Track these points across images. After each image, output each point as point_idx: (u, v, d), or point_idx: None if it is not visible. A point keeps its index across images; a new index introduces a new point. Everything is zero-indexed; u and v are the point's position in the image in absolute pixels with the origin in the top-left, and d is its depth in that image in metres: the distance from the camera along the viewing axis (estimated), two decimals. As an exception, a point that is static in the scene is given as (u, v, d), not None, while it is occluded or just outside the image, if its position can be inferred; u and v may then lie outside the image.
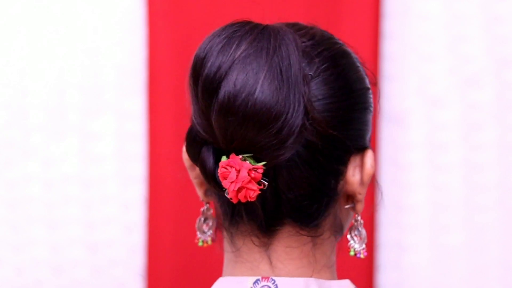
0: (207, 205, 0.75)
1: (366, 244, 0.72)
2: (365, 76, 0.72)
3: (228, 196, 0.63)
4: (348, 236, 0.73)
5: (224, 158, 0.63)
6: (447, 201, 1.49)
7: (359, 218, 0.72)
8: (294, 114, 0.62)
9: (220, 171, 0.62)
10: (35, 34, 1.47)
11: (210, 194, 0.73)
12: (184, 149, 0.72)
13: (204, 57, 0.63)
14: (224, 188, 0.63)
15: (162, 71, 1.44)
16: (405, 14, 1.48)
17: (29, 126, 1.47)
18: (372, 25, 1.43)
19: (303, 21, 0.72)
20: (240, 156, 0.62)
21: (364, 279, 1.44)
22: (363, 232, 0.72)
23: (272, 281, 0.67)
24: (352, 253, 0.73)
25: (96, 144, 1.47)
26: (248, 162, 0.62)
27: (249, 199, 0.62)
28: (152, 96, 1.44)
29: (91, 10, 1.47)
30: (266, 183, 0.62)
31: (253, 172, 0.62)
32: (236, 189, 0.61)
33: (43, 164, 1.47)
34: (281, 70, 0.62)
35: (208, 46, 0.63)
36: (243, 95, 0.61)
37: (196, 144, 0.66)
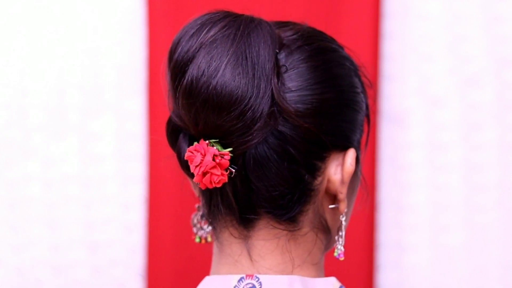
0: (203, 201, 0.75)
1: (344, 247, 0.71)
2: (354, 76, 0.71)
3: (195, 182, 0.63)
4: (336, 237, 0.73)
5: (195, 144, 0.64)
6: (447, 201, 1.49)
7: (342, 219, 0.71)
8: (258, 100, 0.62)
9: (186, 155, 0.63)
10: (35, 34, 1.47)
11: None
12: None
13: (178, 43, 0.64)
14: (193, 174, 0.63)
15: (162, 71, 1.44)
16: (405, 14, 1.48)
17: (29, 126, 1.47)
18: (372, 25, 1.43)
19: (303, 21, 0.72)
20: (207, 142, 0.63)
21: (364, 279, 1.44)
22: (343, 234, 0.71)
23: (256, 279, 0.67)
24: (336, 254, 0.72)
25: (96, 144, 1.48)
26: (215, 148, 0.63)
27: (215, 185, 0.63)
28: (152, 96, 1.44)
29: (91, 10, 1.47)
30: (234, 170, 0.63)
31: (219, 157, 0.62)
32: (200, 173, 0.62)
33: (43, 164, 1.47)
34: (246, 57, 0.63)
35: (183, 31, 0.65)
36: (205, 78, 0.62)
37: (173, 132, 0.68)
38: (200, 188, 0.69)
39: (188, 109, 0.63)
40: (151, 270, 1.45)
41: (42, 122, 1.47)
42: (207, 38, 0.63)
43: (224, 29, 0.63)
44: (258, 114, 0.62)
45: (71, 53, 1.47)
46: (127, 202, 1.48)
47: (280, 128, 0.65)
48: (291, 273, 0.68)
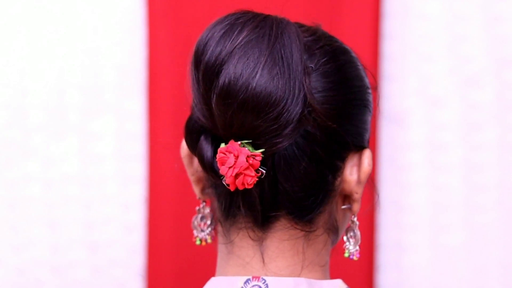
0: (204, 203, 0.75)
1: (360, 246, 0.72)
2: (365, 76, 0.72)
3: (225, 183, 0.63)
4: (345, 238, 0.73)
5: (223, 145, 0.63)
6: (447, 201, 1.49)
7: (355, 219, 0.72)
8: (293, 102, 0.62)
9: (218, 156, 0.62)
10: (35, 34, 1.47)
11: (206, 192, 0.73)
12: (182, 145, 0.72)
13: (206, 43, 0.63)
14: (221, 175, 0.63)
15: (162, 71, 1.44)
16: (405, 14, 1.48)
17: (29, 126, 1.47)
18: (372, 25, 1.43)
19: (303, 21, 0.72)
20: (239, 143, 0.62)
21: (364, 279, 1.44)
22: (358, 233, 0.72)
23: (263, 281, 0.67)
24: (346, 254, 0.73)
25: (96, 144, 1.47)
26: (246, 148, 0.62)
27: (246, 186, 0.62)
28: (152, 96, 1.44)
29: (91, 10, 1.47)
30: (264, 171, 0.63)
31: (252, 158, 0.62)
32: (234, 174, 0.62)
33: (43, 164, 1.47)
34: (282, 57, 0.62)
35: (210, 33, 0.64)
36: (243, 79, 0.61)
37: (194, 133, 0.66)
38: (213, 189, 0.69)
39: (224, 110, 0.62)
40: (151, 270, 1.45)
41: (42, 122, 1.47)
42: (240, 38, 0.62)
43: (257, 29, 0.63)
44: (293, 116, 0.62)
45: (71, 53, 1.47)
46: (127, 202, 1.48)
47: (309, 128, 0.65)
48: (299, 275, 0.68)
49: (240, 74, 0.61)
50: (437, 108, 1.48)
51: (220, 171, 0.63)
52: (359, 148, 0.70)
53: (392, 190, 1.48)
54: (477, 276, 1.49)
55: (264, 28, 0.63)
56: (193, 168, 0.72)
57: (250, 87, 0.61)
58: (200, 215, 0.75)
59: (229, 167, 0.62)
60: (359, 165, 0.70)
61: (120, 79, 1.47)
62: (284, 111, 0.62)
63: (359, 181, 0.70)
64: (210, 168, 0.65)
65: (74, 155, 1.47)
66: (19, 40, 1.47)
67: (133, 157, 1.48)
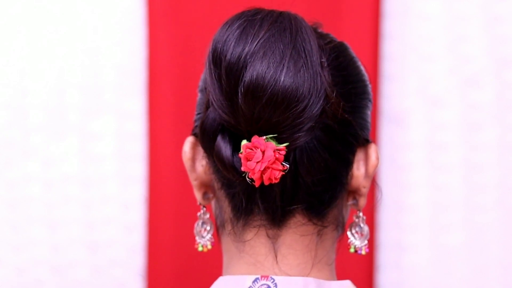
0: (204, 209, 0.74)
1: (368, 241, 0.72)
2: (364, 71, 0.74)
3: (250, 179, 0.62)
4: (348, 233, 0.73)
5: (244, 142, 0.63)
6: (447, 201, 1.49)
7: (361, 214, 0.73)
8: (317, 96, 0.62)
9: (245, 152, 0.62)
10: (35, 34, 1.47)
11: (207, 197, 0.73)
12: (184, 150, 0.72)
13: (225, 41, 0.63)
14: (243, 173, 0.63)
15: (162, 71, 1.44)
16: (405, 14, 1.48)
17: (29, 126, 1.47)
18: (372, 25, 1.43)
19: (308, 20, 0.73)
20: (264, 137, 0.62)
21: (364, 279, 1.44)
22: (366, 228, 0.73)
23: (272, 280, 0.67)
24: (352, 250, 0.73)
25: (96, 144, 1.47)
26: (272, 142, 0.62)
27: (273, 181, 0.62)
28: (152, 96, 1.44)
29: (91, 10, 1.47)
30: (288, 166, 0.62)
31: (277, 153, 0.62)
32: (262, 169, 0.61)
33: (43, 164, 1.47)
34: (304, 51, 0.62)
35: (227, 31, 0.63)
36: (271, 73, 0.61)
37: (210, 134, 0.66)
38: (224, 190, 0.69)
39: (252, 105, 0.61)
40: (151, 270, 1.45)
41: (42, 122, 1.47)
42: (262, 33, 0.62)
43: (277, 24, 0.63)
44: (316, 109, 0.62)
45: (71, 53, 1.47)
46: (127, 202, 1.48)
47: (328, 122, 0.65)
48: (308, 274, 0.68)
49: (268, 68, 0.61)
50: (437, 108, 1.48)
51: (243, 167, 0.62)
52: (365, 142, 0.71)
53: (392, 190, 1.48)
54: (477, 276, 1.49)
55: (283, 22, 0.63)
56: (195, 173, 0.72)
57: (278, 82, 0.61)
58: (201, 221, 0.75)
59: (257, 162, 0.61)
60: (366, 159, 0.71)
61: (120, 79, 1.47)
62: (309, 105, 0.62)
63: (366, 175, 0.71)
64: (230, 167, 0.64)
65: (74, 155, 1.47)
66: (19, 40, 1.47)
67: (133, 157, 1.48)
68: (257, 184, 0.62)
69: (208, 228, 0.75)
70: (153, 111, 1.44)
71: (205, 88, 0.68)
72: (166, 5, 1.43)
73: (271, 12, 0.64)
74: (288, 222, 0.68)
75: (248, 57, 0.61)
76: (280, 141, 0.62)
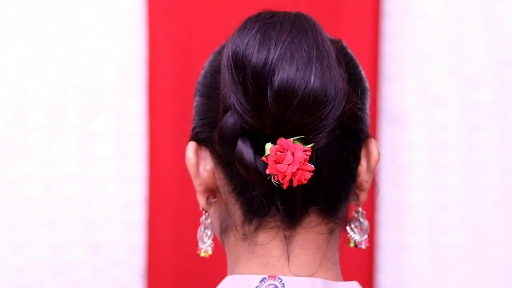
0: (206, 214, 0.74)
1: (347, 246, 0.73)
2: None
3: (277, 182, 0.62)
4: (348, 228, 0.73)
5: (269, 145, 0.63)
6: (447, 201, 1.49)
7: (360, 209, 0.73)
8: (342, 95, 0.63)
9: (274, 155, 0.62)
10: (35, 34, 1.47)
11: (209, 202, 0.73)
12: (188, 156, 0.71)
13: (247, 45, 0.62)
14: (268, 175, 0.63)
15: (162, 71, 1.44)
16: (405, 14, 1.48)
17: (29, 126, 1.47)
18: (372, 25, 1.43)
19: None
20: (291, 139, 0.62)
21: (364, 279, 1.44)
22: (365, 222, 0.73)
23: (279, 280, 0.67)
24: (352, 244, 0.73)
25: (96, 144, 1.47)
26: (299, 144, 0.62)
27: (303, 182, 0.62)
28: (152, 96, 1.44)
29: (91, 10, 1.47)
30: (313, 167, 0.63)
31: (305, 153, 0.62)
32: (294, 171, 0.61)
33: (43, 164, 1.47)
34: (326, 51, 0.63)
35: (245, 35, 0.63)
36: (301, 77, 0.61)
37: (230, 138, 0.65)
38: (235, 194, 0.69)
39: (283, 109, 0.62)
40: (151, 270, 1.45)
41: (42, 122, 1.47)
42: (285, 35, 0.62)
43: (296, 25, 0.63)
44: (340, 109, 0.63)
45: (71, 53, 1.47)
46: (127, 202, 1.48)
47: (345, 120, 0.66)
48: (317, 274, 0.68)
49: (297, 71, 0.61)
50: (437, 108, 1.48)
51: (271, 170, 0.62)
52: (367, 137, 0.72)
53: (392, 190, 1.48)
54: (477, 276, 1.49)
55: (302, 23, 0.63)
56: (200, 179, 0.72)
57: (308, 84, 0.61)
58: (203, 226, 0.75)
59: (289, 164, 0.61)
60: (367, 154, 0.72)
61: (120, 79, 1.47)
62: (336, 104, 0.62)
63: (369, 170, 0.72)
64: (254, 170, 0.64)
65: (74, 155, 1.47)
66: (19, 40, 1.47)
67: (133, 157, 1.48)
68: (285, 186, 0.62)
69: (209, 233, 0.75)
70: (153, 111, 1.44)
71: (214, 94, 0.69)
72: (166, 5, 1.43)
73: (287, 13, 0.64)
74: (303, 222, 0.68)
75: (275, 60, 0.61)
76: (305, 142, 0.63)
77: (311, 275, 0.68)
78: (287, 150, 0.62)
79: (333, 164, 0.67)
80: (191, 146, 0.72)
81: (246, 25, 0.64)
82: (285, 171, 0.61)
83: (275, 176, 0.62)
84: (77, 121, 1.47)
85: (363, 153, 0.71)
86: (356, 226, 0.73)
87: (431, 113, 1.48)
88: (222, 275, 0.73)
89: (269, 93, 0.61)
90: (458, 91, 1.48)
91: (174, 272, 1.44)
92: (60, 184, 1.47)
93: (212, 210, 0.74)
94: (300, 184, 0.62)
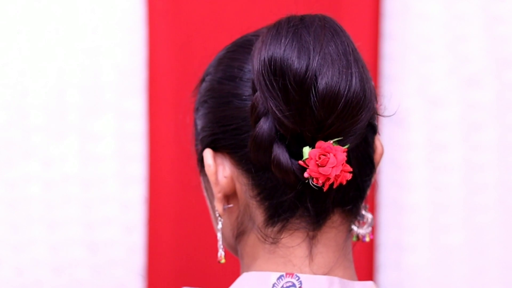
0: (222, 220, 0.73)
1: (372, 227, 0.74)
2: None
3: (315, 184, 0.63)
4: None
5: (307, 149, 0.63)
6: (447, 201, 1.49)
7: (363, 203, 0.74)
8: (374, 95, 0.65)
9: (319, 158, 0.62)
10: (35, 34, 1.47)
11: (224, 208, 0.72)
12: (209, 163, 0.71)
13: (284, 50, 0.63)
14: (306, 179, 0.63)
15: (162, 71, 1.44)
16: (405, 14, 1.48)
17: (29, 126, 1.47)
18: (372, 25, 1.43)
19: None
20: (331, 142, 0.63)
21: (364, 279, 1.44)
22: (369, 215, 0.74)
23: (297, 278, 0.67)
24: (354, 238, 0.74)
25: (96, 144, 1.47)
26: (339, 146, 0.63)
27: (343, 183, 0.63)
28: (152, 96, 1.44)
29: (91, 10, 1.47)
30: (351, 168, 0.64)
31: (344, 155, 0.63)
32: (338, 173, 0.62)
33: (43, 164, 1.47)
34: (357, 52, 0.64)
35: (282, 40, 0.64)
36: (343, 81, 0.62)
37: (267, 143, 0.66)
38: (261, 198, 0.69)
39: (328, 114, 0.62)
40: (151, 270, 1.45)
41: (42, 122, 1.47)
42: (322, 41, 0.63)
43: (328, 29, 0.65)
44: (372, 110, 0.64)
45: (71, 53, 1.47)
46: (127, 202, 1.48)
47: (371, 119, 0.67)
48: (334, 272, 0.69)
49: (339, 76, 0.62)
50: (437, 108, 1.48)
51: (313, 173, 0.63)
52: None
53: (392, 190, 1.48)
54: (477, 276, 1.49)
55: (332, 26, 0.65)
56: (220, 185, 0.72)
57: (351, 87, 0.62)
58: (220, 233, 0.74)
59: (332, 167, 0.62)
60: (373, 148, 0.73)
61: (120, 79, 1.47)
62: (371, 106, 0.64)
63: (375, 164, 0.73)
64: (292, 173, 0.65)
65: (74, 155, 1.47)
66: (19, 40, 1.47)
67: (133, 157, 1.48)
68: (326, 188, 0.63)
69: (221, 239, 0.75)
70: (153, 111, 1.44)
71: (234, 99, 0.69)
72: (166, 5, 1.43)
73: (313, 17, 0.66)
74: (326, 221, 0.69)
75: (317, 66, 0.62)
76: (341, 144, 0.64)
77: (328, 273, 0.69)
78: (329, 153, 0.62)
79: (361, 162, 0.69)
80: (209, 153, 0.72)
81: (277, 31, 0.65)
82: (330, 174, 0.62)
83: (314, 179, 0.63)
84: (77, 121, 1.47)
85: None
86: (358, 220, 0.74)
87: (431, 113, 1.48)
88: (222, 275, 0.73)
89: (313, 98, 0.62)
90: (458, 91, 1.48)
91: (174, 272, 1.44)
92: (60, 184, 1.47)
93: (225, 215, 0.74)
94: (343, 184, 0.63)
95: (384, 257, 1.48)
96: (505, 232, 1.49)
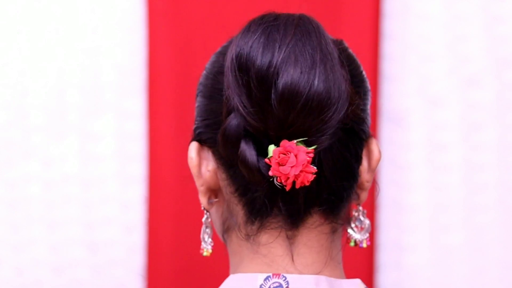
0: (208, 213, 0.74)
1: (347, 246, 0.73)
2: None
3: (279, 183, 0.62)
4: (348, 228, 0.74)
5: (272, 147, 0.63)
6: (447, 201, 1.49)
7: (361, 208, 0.74)
8: (345, 97, 0.63)
9: (277, 157, 0.62)
10: (35, 34, 1.47)
11: (211, 202, 0.73)
12: (191, 156, 0.71)
13: (251, 47, 0.63)
14: (271, 177, 0.63)
15: (162, 71, 1.44)
16: (405, 14, 1.48)
17: (29, 126, 1.47)
18: (372, 25, 1.43)
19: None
20: (294, 142, 0.62)
21: (364, 279, 1.44)
22: (366, 221, 0.74)
23: (283, 278, 0.67)
24: (352, 243, 0.74)
25: (96, 144, 1.47)
26: (303, 146, 0.62)
27: (306, 184, 0.62)
28: (152, 96, 1.44)
29: (91, 10, 1.47)
30: (316, 169, 0.63)
31: (307, 156, 0.62)
32: (297, 173, 0.61)
33: (43, 164, 1.47)
34: (329, 53, 0.63)
35: (251, 37, 0.63)
36: (305, 78, 0.61)
37: (233, 139, 0.66)
38: (238, 195, 0.69)
39: (287, 111, 0.62)
40: (151, 270, 1.45)
41: (42, 122, 1.47)
42: (289, 38, 0.63)
43: (300, 28, 0.63)
44: (344, 111, 0.63)
45: (71, 53, 1.47)
46: (127, 202, 1.48)
47: (347, 122, 0.66)
48: (321, 272, 0.69)
49: (301, 74, 0.61)
50: (437, 108, 1.48)
51: (274, 172, 0.62)
52: (368, 137, 0.72)
53: (392, 190, 1.48)
54: (477, 276, 1.49)
55: (306, 26, 0.64)
56: (202, 179, 0.72)
57: (312, 87, 0.61)
58: (205, 226, 0.75)
59: (292, 166, 0.62)
60: (368, 153, 0.72)
61: (120, 79, 1.47)
62: (339, 108, 0.63)
63: (370, 170, 0.72)
64: (257, 171, 0.64)
65: (74, 155, 1.47)
66: (19, 40, 1.47)
67: (133, 157, 1.48)
68: (288, 188, 0.62)
69: (209, 232, 0.75)
70: (153, 111, 1.44)
71: (216, 95, 0.69)
72: (166, 5, 1.43)
73: (290, 16, 0.65)
74: (306, 222, 0.69)
75: (279, 63, 0.62)
76: (307, 144, 0.63)
77: (317, 274, 0.68)
78: (290, 152, 0.62)
79: (335, 166, 0.67)
80: (193, 146, 0.72)
81: (250, 28, 0.64)
82: (288, 173, 0.62)
83: (278, 178, 0.62)
84: (77, 121, 1.47)
85: (364, 153, 0.71)
86: (356, 226, 0.74)
87: (431, 113, 1.48)
88: (222, 274, 0.73)
89: (273, 96, 0.62)
90: (458, 91, 1.48)
91: (174, 272, 1.44)
92: (60, 184, 1.47)
93: (213, 209, 0.74)
94: (305, 185, 0.62)
95: (384, 257, 1.48)
96: (505, 232, 1.49)
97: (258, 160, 0.64)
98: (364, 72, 0.73)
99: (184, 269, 1.44)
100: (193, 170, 0.72)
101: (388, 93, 1.47)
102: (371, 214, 1.43)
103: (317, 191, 0.67)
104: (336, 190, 0.68)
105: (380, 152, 0.72)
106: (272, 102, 0.62)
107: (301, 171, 0.62)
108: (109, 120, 1.47)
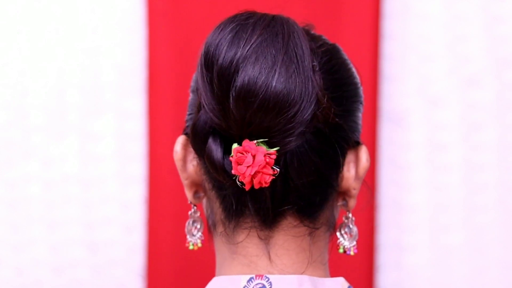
0: (195, 207, 0.75)
1: (358, 242, 0.73)
2: (356, 73, 0.74)
3: (240, 182, 0.62)
4: (338, 234, 0.74)
5: (235, 146, 0.63)
6: (447, 201, 1.49)
7: (350, 215, 0.73)
8: (309, 100, 0.62)
9: (235, 156, 0.62)
10: (35, 34, 1.47)
11: (198, 196, 0.73)
12: (176, 150, 0.72)
13: (217, 44, 0.63)
14: (233, 176, 0.63)
15: (162, 71, 1.44)
16: (405, 14, 1.48)
17: (29, 126, 1.47)
18: (372, 25, 1.43)
19: (303, 21, 0.73)
20: (255, 142, 0.62)
21: (364, 279, 1.44)
22: (355, 229, 0.73)
23: (266, 279, 0.67)
24: (341, 250, 0.74)
25: (96, 144, 1.48)
26: (262, 147, 0.62)
27: (263, 185, 0.62)
28: (152, 96, 1.44)
29: (91, 10, 1.47)
30: (278, 170, 0.62)
31: (268, 157, 0.62)
32: (252, 173, 0.61)
33: (43, 164, 1.47)
34: (296, 56, 0.62)
35: (219, 34, 0.63)
36: (263, 78, 0.61)
37: (202, 135, 0.66)
38: (215, 192, 0.69)
39: (244, 110, 0.62)
40: (151, 270, 1.45)
41: (42, 122, 1.47)
42: (254, 38, 0.62)
43: (269, 28, 0.63)
44: (308, 114, 0.62)
45: (71, 53, 1.47)
46: (127, 202, 1.48)
47: (319, 125, 0.65)
48: (303, 273, 0.69)
49: (259, 73, 0.61)
50: (437, 108, 1.48)
51: (234, 170, 0.62)
52: (356, 144, 0.72)
53: (392, 190, 1.48)
54: (477, 276, 1.49)
55: (275, 27, 0.63)
56: (186, 173, 0.72)
57: (270, 86, 0.61)
58: (191, 220, 0.75)
59: (247, 166, 0.62)
60: (356, 161, 0.71)
61: (120, 79, 1.47)
62: (301, 110, 0.62)
63: (357, 177, 0.71)
64: (221, 169, 0.64)
65: (74, 155, 1.47)
66: (19, 40, 1.47)
67: (133, 157, 1.48)
68: (247, 188, 0.62)
69: (198, 226, 0.76)
70: (153, 111, 1.44)
71: (197, 90, 0.69)
72: (166, 5, 1.44)
73: (264, 16, 0.64)
74: (279, 223, 0.68)
75: (240, 61, 0.62)
76: (271, 145, 0.62)
77: (299, 274, 0.68)
78: (248, 152, 0.62)
79: (303, 170, 0.67)
80: (180, 140, 0.73)
81: (221, 25, 0.64)
82: (244, 173, 0.62)
83: (239, 177, 0.62)
84: (77, 121, 1.47)
85: (350, 159, 0.71)
86: (346, 232, 0.73)
87: (431, 113, 1.48)
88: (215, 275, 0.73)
89: (231, 93, 0.62)
90: (458, 91, 1.48)
91: (174, 272, 1.44)
92: (60, 184, 1.47)
93: (203, 204, 0.75)
94: (263, 186, 0.62)
95: (384, 257, 1.48)
96: (505, 232, 1.49)
97: (223, 158, 0.64)
98: (355, 78, 0.72)
99: (184, 269, 1.44)
100: (177, 163, 0.72)
101: (388, 93, 1.47)
102: (371, 214, 1.43)
103: (284, 193, 0.67)
104: (304, 193, 0.68)
105: (368, 161, 0.71)
106: (231, 100, 0.62)
107: (257, 172, 0.61)
108: (109, 120, 1.47)
